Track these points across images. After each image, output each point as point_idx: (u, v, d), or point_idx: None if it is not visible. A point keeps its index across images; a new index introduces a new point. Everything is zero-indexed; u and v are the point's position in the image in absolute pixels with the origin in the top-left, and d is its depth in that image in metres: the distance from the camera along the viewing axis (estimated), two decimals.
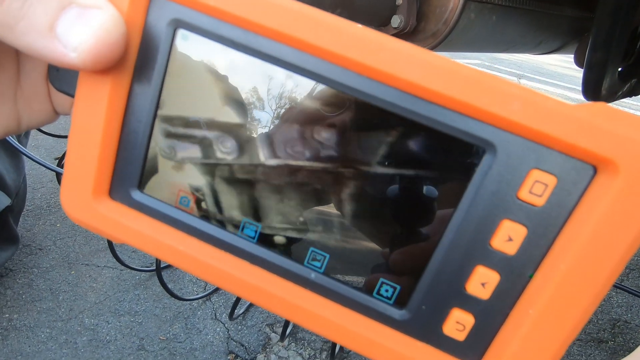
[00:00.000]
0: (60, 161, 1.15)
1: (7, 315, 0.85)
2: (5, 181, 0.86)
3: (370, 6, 0.72)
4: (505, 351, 0.15)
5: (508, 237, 0.14)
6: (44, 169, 1.32)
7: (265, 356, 0.84)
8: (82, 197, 0.17)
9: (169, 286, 0.96)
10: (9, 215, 0.87)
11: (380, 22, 0.76)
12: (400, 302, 0.16)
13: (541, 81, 4.53)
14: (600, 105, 0.13)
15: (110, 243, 0.87)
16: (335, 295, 0.16)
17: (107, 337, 0.83)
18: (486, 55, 4.99)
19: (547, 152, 0.13)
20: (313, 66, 0.15)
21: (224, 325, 0.89)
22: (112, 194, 0.17)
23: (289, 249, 0.17)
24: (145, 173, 0.17)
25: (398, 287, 0.16)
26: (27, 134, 1.06)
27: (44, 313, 0.86)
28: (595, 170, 0.13)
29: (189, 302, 0.92)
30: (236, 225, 0.17)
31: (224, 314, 0.92)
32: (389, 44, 0.14)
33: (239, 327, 0.89)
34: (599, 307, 1.14)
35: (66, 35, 0.13)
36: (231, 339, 0.87)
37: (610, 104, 0.13)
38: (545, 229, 0.14)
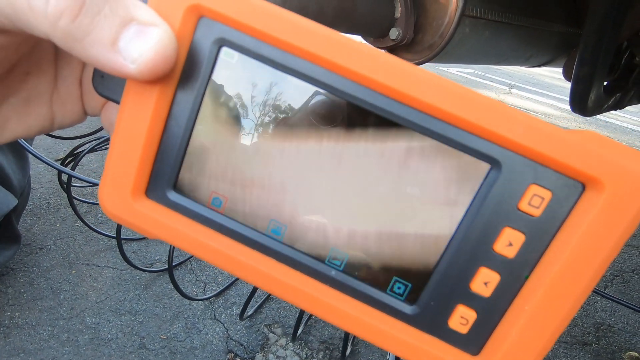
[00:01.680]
0: (63, 162, 1.16)
1: (8, 314, 0.86)
2: (12, 182, 0.88)
3: (370, 18, 0.76)
4: (503, 342, 0.16)
5: (509, 242, 0.16)
6: (43, 169, 1.32)
7: (263, 355, 0.86)
8: (121, 195, 0.18)
9: (168, 287, 0.97)
10: (12, 215, 0.88)
11: (379, 34, 0.79)
12: (411, 298, 0.17)
13: (531, 91, 4.63)
14: (590, 132, 0.15)
15: (119, 244, 0.89)
16: (353, 291, 0.18)
17: (109, 336, 0.85)
18: (479, 66, 5.08)
19: (544, 170, 0.15)
20: (343, 86, 0.16)
21: (223, 325, 0.91)
22: (149, 194, 0.19)
23: (312, 247, 0.18)
24: (181, 175, 0.18)
25: (409, 285, 0.17)
26: None
27: (46, 311, 0.87)
28: (584, 187, 0.15)
29: (189, 302, 0.94)
30: (264, 225, 0.18)
31: (223, 314, 0.94)
32: (413, 70, 0.15)
33: (238, 327, 0.91)
34: (584, 311, 1.18)
35: (127, 49, 0.15)
36: (230, 338, 0.89)
37: (598, 132, 0.15)
38: (540, 236, 0.16)
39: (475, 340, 0.17)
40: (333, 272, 0.18)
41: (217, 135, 0.18)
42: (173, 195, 0.18)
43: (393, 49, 0.85)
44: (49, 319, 0.86)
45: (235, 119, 0.18)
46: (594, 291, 0.91)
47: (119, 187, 0.18)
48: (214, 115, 0.18)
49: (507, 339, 0.16)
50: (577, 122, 3.62)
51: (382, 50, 0.16)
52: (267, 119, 0.17)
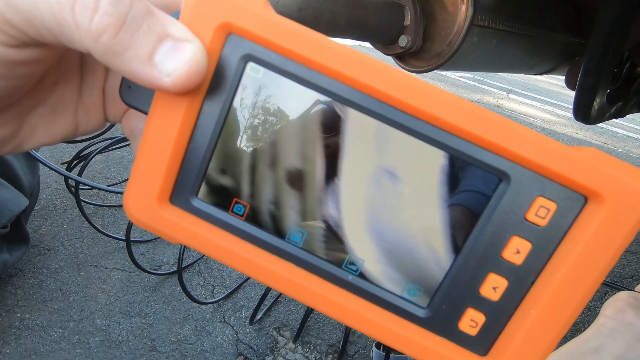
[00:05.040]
0: (69, 165, 1.16)
1: (19, 315, 0.86)
2: (22, 182, 0.88)
3: (380, 26, 0.77)
4: (510, 344, 0.17)
5: (516, 250, 0.17)
6: (48, 170, 1.32)
7: (273, 358, 0.87)
8: (147, 202, 0.19)
9: (177, 290, 0.98)
10: (21, 215, 0.89)
11: (388, 41, 0.81)
12: (423, 302, 0.19)
13: (529, 97, 4.67)
14: (592, 150, 0.16)
15: (129, 247, 0.89)
16: (368, 295, 0.19)
17: (119, 338, 0.85)
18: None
19: (550, 184, 0.17)
20: (363, 101, 0.17)
21: (233, 328, 0.92)
22: (173, 201, 0.19)
23: (330, 253, 0.19)
24: (204, 183, 0.19)
25: (422, 289, 0.18)
26: None
27: (56, 313, 0.88)
28: (586, 200, 0.16)
29: (198, 305, 0.95)
30: (284, 232, 0.19)
31: (232, 317, 0.94)
32: (431, 89, 0.16)
33: (248, 330, 0.92)
34: (586, 317, 1.20)
35: (162, 63, 0.16)
36: (240, 341, 0.89)
37: (599, 150, 0.17)
38: (546, 244, 0.17)
39: (483, 341, 0.18)
40: (350, 277, 0.19)
41: (240, 145, 0.19)
42: (197, 202, 0.19)
43: (402, 56, 0.87)
44: (60, 321, 0.86)
45: (258, 130, 0.18)
46: (606, 284, 0.93)
47: (145, 194, 0.19)
48: (238, 127, 0.18)
49: (514, 341, 0.17)
50: (575, 128, 3.67)
51: (402, 69, 0.17)
52: (288, 131, 0.18)
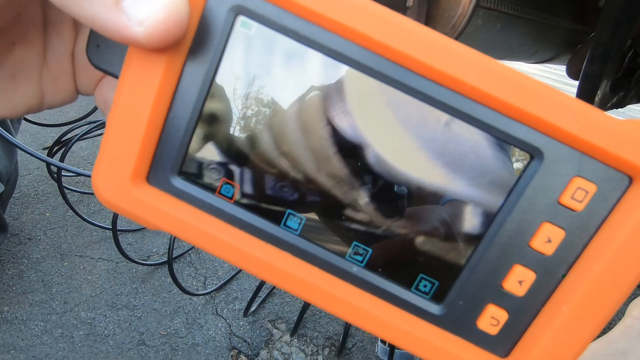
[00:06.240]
0: (51, 150, 1.10)
1: None
2: None
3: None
4: (535, 344, 0.15)
5: (547, 238, 0.15)
6: (30, 155, 1.26)
7: (268, 352, 0.84)
8: (120, 181, 0.16)
9: (167, 281, 0.94)
10: None
11: None
12: (438, 297, 0.16)
13: None
14: None
15: (115, 236, 0.84)
16: (375, 288, 0.17)
17: (105, 332, 0.81)
18: None
19: (590, 162, 0.14)
20: (377, 65, 0.15)
21: (226, 321, 0.88)
22: (150, 180, 0.17)
23: (332, 242, 0.17)
24: (187, 160, 0.17)
25: (436, 283, 0.16)
26: (19, 119, 1.01)
27: (37, 306, 0.83)
28: (630, 181, 0.14)
29: (189, 296, 0.91)
30: (279, 217, 0.17)
31: (225, 309, 0.91)
32: (456, 48, 0.14)
33: (241, 322, 0.89)
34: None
35: (132, 8, 0.13)
36: (233, 334, 0.86)
37: None
38: (582, 232, 0.15)
39: (505, 342, 0.16)
40: (354, 269, 0.17)
41: (229, 116, 0.16)
42: (178, 182, 0.17)
43: None
44: (41, 314, 0.81)
45: (251, 98, 0.16)
46: None
47: (117, 172, 0.16)
48: (226, 93, 0.16)
49: (540, 341, 0.15)
50: None
51: (420, 24, 0.14)
52: (287, 99, 0.16)
